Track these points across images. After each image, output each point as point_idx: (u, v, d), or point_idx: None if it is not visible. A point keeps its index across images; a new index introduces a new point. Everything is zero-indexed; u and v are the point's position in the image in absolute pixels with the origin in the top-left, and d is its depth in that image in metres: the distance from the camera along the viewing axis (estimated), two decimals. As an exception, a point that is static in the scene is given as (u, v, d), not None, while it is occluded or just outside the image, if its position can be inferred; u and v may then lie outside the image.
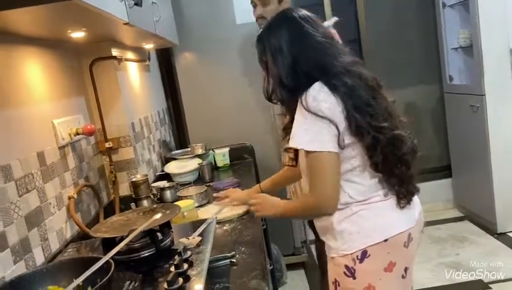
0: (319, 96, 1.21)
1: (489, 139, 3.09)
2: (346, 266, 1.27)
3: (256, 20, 2.22)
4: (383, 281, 1.26)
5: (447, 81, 3.57)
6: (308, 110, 1.20)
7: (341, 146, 1.21)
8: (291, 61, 1.27)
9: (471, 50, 3.18)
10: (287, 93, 1.30)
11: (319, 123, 1.19)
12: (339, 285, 1.31)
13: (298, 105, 1.23)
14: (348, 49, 1.35)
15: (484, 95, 3.05)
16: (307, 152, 1.23)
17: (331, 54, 1.28)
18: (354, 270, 1.26)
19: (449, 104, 3.61)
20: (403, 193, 1.28)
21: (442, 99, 3.69)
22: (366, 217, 1.26)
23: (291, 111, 1.31)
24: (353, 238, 1.26)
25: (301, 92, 1.24)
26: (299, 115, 1.23)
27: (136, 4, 1.32)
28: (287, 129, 1.35)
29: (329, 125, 1.19)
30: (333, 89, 1.21)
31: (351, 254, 1.26)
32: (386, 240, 1.25)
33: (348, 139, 1.22)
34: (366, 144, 1.22)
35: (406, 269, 1.30)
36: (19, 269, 1.20)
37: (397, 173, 1.26)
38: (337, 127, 1.19)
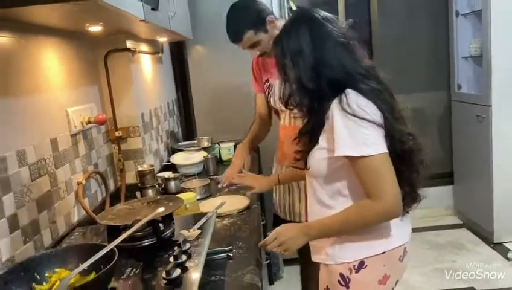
0: (361, 101, 1.15)
1: (492, 149, 3.11)
2: (342, 275, 1.25)
3: (261, 56, 1.96)
4: None
5: (455, 89, 3.59)
6: (354, 115, 1.13)
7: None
8: (313, 63, 1.21)
9: (481, 60, 3.19)
10: (307, 98, 1.24)
11: (368, 127, 1.13)
12: None
13: (337, 112, 1.16)
14: (365, 52, 1.30)
15: (491, 105, 3.07)
16: (359, 158, 1.14)
17: (353, 56, 1.24)
18: (349, 279, 1.24)
19: (456, 112, 3.64)
20: (409, 201, 1.26)
21: (449, 107, 3.71)
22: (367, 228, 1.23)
23: (309, 116, 1.28)
24: (353, 247, 1.24)
25: (323, 97, 1.21)
26: (345, 122, 1.14)
27: (152, 9, 1.36)
28: (303, 133, 1.32)
29: (377, 128, 1.14)
30: (363, 93, 1.17)
31: (348, 263, 1.24)
32: (383, 253, 1.24)
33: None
34: (394, 150, 1.17)
35: (396, 283, 1.31)
36: (28, 249, 1.27)
37: (411, 180, 1.24)
38: (383, 129, 1.16)
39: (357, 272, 1.24)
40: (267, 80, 2.03)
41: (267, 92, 2.05)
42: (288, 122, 1.97)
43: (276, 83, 1.94)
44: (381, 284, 1.25)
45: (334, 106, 1.17)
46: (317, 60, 1.21)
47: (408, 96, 3.53)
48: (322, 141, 1.23)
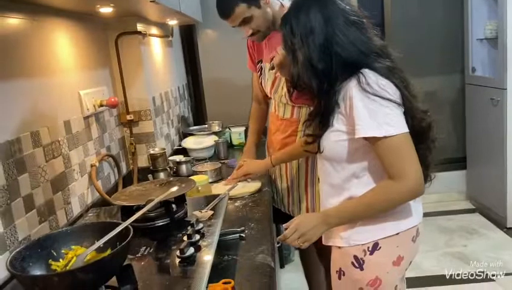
0: (381, 81, 1.13)
1: (507, 133, 3.06)
2: (355, 257, 1.24)
3: (251, 36, 1.84)
4: (390, 274, 1.24)
5: (469, 72, 3.53)
6: (376, 95, 1.11)
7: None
8: (324, 42, 1.16)
9: (496, 42, 3.12)
10: (317, 79, 1.20)
11: (390, 107, 1.11)
12: (343, 274, 1.29)
13: (357, 93, 1.13)
14: (376, 31, 1.26)
15: (506, 89, 3.01)
16: (381, 139, 1.11)
17: (366, 34, 1.20)
18: (363, 261, 1.23)
19: (470, 95, 3.58)
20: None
21: (463, 90, 3.66)
22: None
23: (319, 98, 1.24)
24: (367, 229, 1.23)
25: (334, 78, 1.17)
26: (366, 102, 1.12)
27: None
28: (313, 116, 1.29)
29: (397, 108, 1.13)
30: (379, 72, 1.15)
31: (362, 244, 1.23)
32: (397, 234, 1.23)
33: None
34: (411, 128, 1.15)
35: (409, 264, 1.31)
36: (44, 229, 1.29)
37: (426, 158, 1.22)
38: (403, 108, 1.14)
39: (371, 253, 1.23)
40: (260, 61, 1.96)
41: (259, 73, 1.99)
42: (274, 109, 1.93)
43: (266, 66, 1.90)
44: (395, 266, 1.24)
45: (352, 86, 1.14)
46: (328, 39, 1.16)
47: (421, 79, 3.47)
48: (338, 123, 1.20)
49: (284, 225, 1.30)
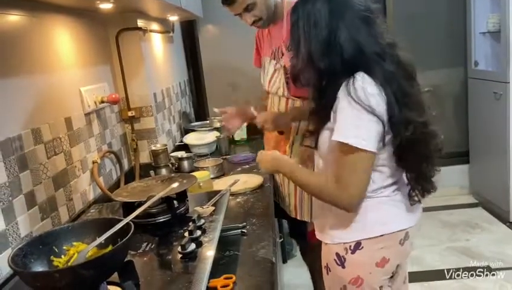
0: (368, 88, 1.09)
1: (509, 127, 3.05)
2: (337, 254, 1.25)
3: (254, 24, 1.80)
4: (373, 275, 1.23)
5: (472, 66, 3.51)
6: (357, 102, 1.08)
7: (383, 144, 1.12)
8: (327, 36, 1.12)
9: (499, 35, 3.10)
10: (316, 75, 1.18)
11: (368, 118, 1.08)
12: (329, 270, 1.30)
13: (343, 95, 1.11)
14: (386, 27, 1.21)
15: (509, 82, 2.99)
16: (346, 144, 1.10)
17: (374, 32, 1.15)
18: (344, 259, 1.24)
19: (472, 89, 3.56)
20: (418, 189, 1.24)
21: (466, 84, 3.64)
22: (368, 210, 1.21)
23: (318, 94, 1.22)
24: (352, 228, 1.23)
25: (334, 75, 1.14)
26: (347, 106, 1.09)
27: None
28: (312, 113, 1.28)
29: (377, 122, 1.09)
30: (374, 77, 1.11)
31: (344, 243, 1.24)
32: (381, 235, 1.21)
33: (386, 134, 1.12)
34: (400, 139, 1.13)
35: (397, 266, 1.29)
36: (46, 226, 1.30)
37: (421, 169, 1.21)
38: (383, 124, 1.10)
39: (352, 252, 1.23)
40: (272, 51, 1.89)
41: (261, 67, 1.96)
42: (270, 106, 1.92)
43: (266, 60, 1.88)
44: (379, 267, 1.23)
45: (342, 87, 1.12)
46: (332, 32, 1.12)
47: (423, 73, 3.43)
48: (332, 121, 1.17)
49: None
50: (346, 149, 1.11)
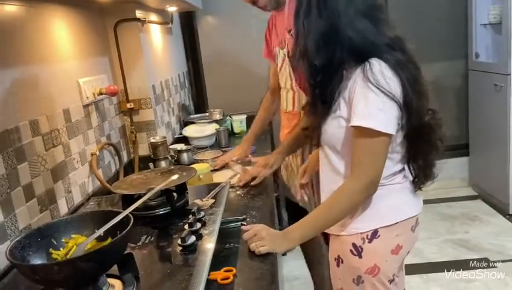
0: (386, 73, 1.08)
1: (510, 119, 3.04)
2: (354, 245, 1.24)
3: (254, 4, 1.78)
4: (388, 263, 1.24)
5: (472, 58, 3.49)
6: (377, 86, 1.07)
7: (399, 129, 1.13)
8: (326, 30, 1.11)
9: (500, 27, 3.08)
10: (313, 70, 1.16)
11: (386, 102, 1.08)
12: (342, 262, 1.29)
13: (360, 80, 1.10)
14: (391, 24, 1.20)
15: (509, 74, 2.98)
16: (365, 129, 1.09)
17: (380, 24, 1.14)
18: (362, 249, 1.23)
19: (473, 81, 3.54)
20: (422, 177, 1.24)
21: (466, 76, 3.62)
22: (382, 198, 1.21)
23: (316, 86, 1.19)
24: (367, 217, 1.22)
25: (335, 67, 1.13)
26: (367, 91, 1.09)
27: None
28: (311, 105, 1.25)
29: (393, 106, 1.09)
30: (388, 62, 1.10)
31: (361, 233, 1.23)
32: (396, 223, 1.23)
33: (401, 118, 1.12)
34: (411, 125, 1.13)
35: (407, 253, 1.31)
36: (45, 218, 1.29)
37: (427, 156, 1.21)
38: (400, 108, 1.10)
39: (370, 241, 1.23)
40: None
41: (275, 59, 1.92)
42: (283, 104, 1.90)
43: (277, 50, 1.85)
44: (394, 254, 1.24)
45: (358, 73, 1.11)
46: (333, 26, 1.10)
47: (423, 65, 3.42)
48: (340, 109, 1.17)
49: (242, 227, 1.26)
50: (367, 133, 1.10)
